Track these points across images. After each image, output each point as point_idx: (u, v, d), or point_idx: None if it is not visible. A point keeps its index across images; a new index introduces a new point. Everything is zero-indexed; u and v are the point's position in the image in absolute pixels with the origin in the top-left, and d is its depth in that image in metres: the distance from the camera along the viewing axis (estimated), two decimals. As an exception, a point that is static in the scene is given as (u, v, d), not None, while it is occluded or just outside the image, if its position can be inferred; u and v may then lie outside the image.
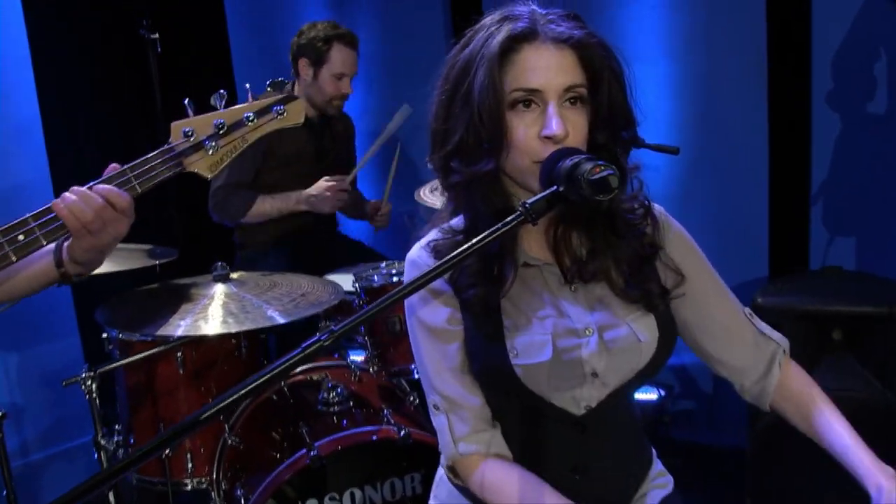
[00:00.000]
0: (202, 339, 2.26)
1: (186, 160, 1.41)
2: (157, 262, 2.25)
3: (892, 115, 2.67)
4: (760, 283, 2.96)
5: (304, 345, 0.95)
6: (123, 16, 3.14)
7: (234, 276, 2.34)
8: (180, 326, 2.01)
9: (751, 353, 1.40)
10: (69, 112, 3.35)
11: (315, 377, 2.43)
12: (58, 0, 3.28)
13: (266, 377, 0.93)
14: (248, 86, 1.52)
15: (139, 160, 1.38)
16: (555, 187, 1.10)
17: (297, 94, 3.13)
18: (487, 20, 1.26)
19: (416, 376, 2.46)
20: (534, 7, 1.26)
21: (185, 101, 1.42)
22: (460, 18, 3.08)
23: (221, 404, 0.91)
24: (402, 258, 2.68)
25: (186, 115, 1.43)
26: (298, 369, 2.43)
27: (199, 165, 1.42)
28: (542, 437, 1.33)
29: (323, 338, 0.95)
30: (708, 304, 1.39)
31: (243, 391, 0.93)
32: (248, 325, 2.00)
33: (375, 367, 2.43)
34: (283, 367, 0.94)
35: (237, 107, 1.47)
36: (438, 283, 1.31)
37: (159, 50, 2.98)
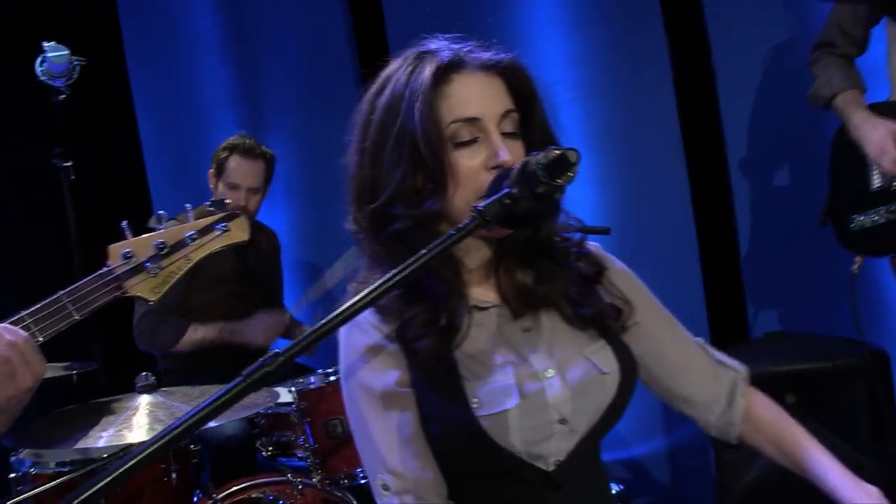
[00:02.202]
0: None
1: (127, 283, 1.36)
2: (75, 373, 2.06)
3: (801, 180, 2.77)
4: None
5: (245, 372, 0.84)
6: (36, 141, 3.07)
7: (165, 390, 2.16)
8: (102, 438, 1.81)
9: (710, 385, 1.35)
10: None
11: (254, 495, 2.22)
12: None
13: (205, 411, 0.81)
14: (188, 206, 1.49)
15: (76, 285, 1.32)
16: (506, 189, 1.04)
17: None
18: (399, 60, 1.23)
19: (363, 481, 2.31)
20: (445, 41, 1.24)
21: (123, 224, 1.39)
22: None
23: (153, 447, 0.79)
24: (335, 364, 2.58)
25: (124, 237, 1.38)
26: (234, 489, 2.24)
27: (141, 289, 1.37)
28: (511, 502, 1.20)
29: (267, 362, 0.84)
30: (659, 337, 1.34)
31: (178, 430, 0.80)
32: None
33: (318, 477, 2.25)
34: (225, 398, 0.82)
35: (178, 227, 1.44)
36: (382, 342, 1.19)
37: (73, 177, 2.89)
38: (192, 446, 2.29)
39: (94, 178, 3.25)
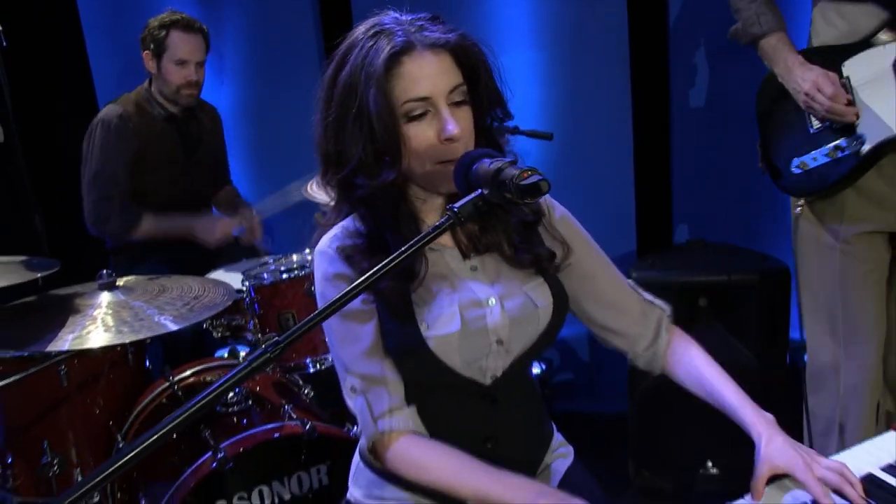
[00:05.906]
0: (86, 351, 2.17)
1: None
2: (39, 276, 2.11)
3: (743, 93, 2.86)
4: (630, 259, 3.16)
5: (249, 359, 0.96)
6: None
7: (121, 282, 2.24)
8: (67, 340, 1.91)
9: (639, 321, 1.53)
10: None
11: (209, 378, 2.38)
12: None
13: (214, 394, 0.94)
14: None
15: None
16: (479, 191, 1.17)
17: (152, 91, 3.04)
18: (359, 34, 1.34)
19: (312, 370, 2.48)
20: (398, 16, 1.35)
21: None
22: (330, 18, 3.09)
23: (173, 423, 0.90)
24: (283, 253, 2.68)
25: None
26: (189, 371, 2.40)
27: None
28: (455, 411, 1.41)
29: (269, 349, 0.97)
30: (596, 276, 1.51)
31: (192, 409, 0.92)
32: (143, 334, 1.93)
33: (270, 365, 2.40)
34: (230, 382, 0.95)
35: None
36: (348, 271, 1.36)
37: (4, 44, 2.77)
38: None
39: (29, 46, 3.14)
